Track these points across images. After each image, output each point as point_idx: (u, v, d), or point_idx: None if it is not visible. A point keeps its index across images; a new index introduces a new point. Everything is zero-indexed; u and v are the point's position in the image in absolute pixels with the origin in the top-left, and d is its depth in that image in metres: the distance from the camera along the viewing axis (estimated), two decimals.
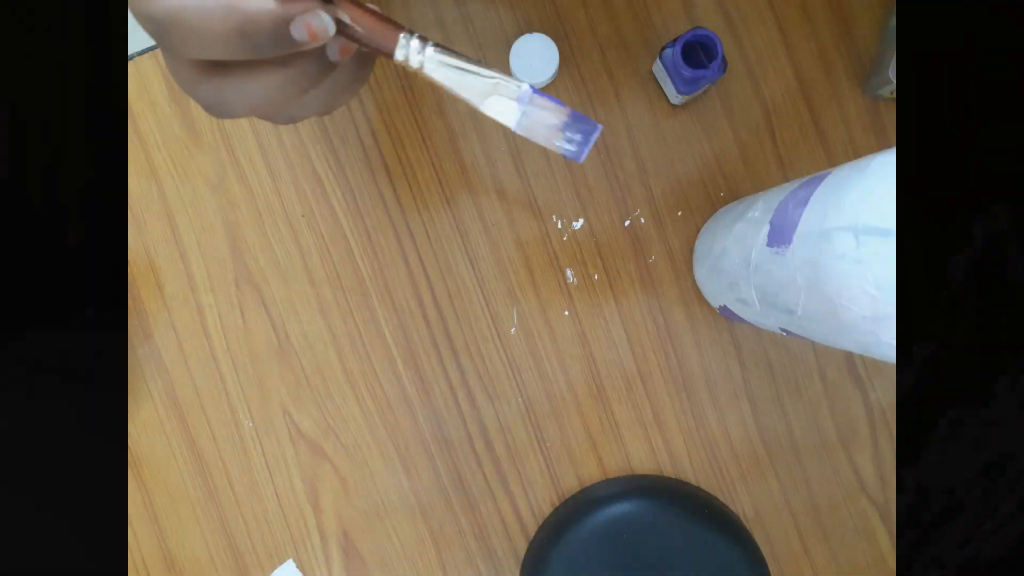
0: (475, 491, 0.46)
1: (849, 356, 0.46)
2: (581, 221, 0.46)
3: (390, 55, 0.25)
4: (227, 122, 0.46)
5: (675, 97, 0.43)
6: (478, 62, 0.26)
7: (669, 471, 0.46)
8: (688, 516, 0.43)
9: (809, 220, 0.26)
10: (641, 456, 0.46)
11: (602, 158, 0.45)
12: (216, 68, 0.24)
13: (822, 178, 0.27)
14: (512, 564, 0.47)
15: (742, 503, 0.46)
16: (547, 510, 0.46)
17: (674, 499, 0.44)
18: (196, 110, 0.46)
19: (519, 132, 0.26)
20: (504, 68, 0.44)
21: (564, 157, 0.40)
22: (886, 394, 0.46)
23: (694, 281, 0.46)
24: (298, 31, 0.22)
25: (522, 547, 0.46)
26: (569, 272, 0.46)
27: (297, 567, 0.46)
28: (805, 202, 0.27)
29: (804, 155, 0.45)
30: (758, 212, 0.34)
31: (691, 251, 0.46)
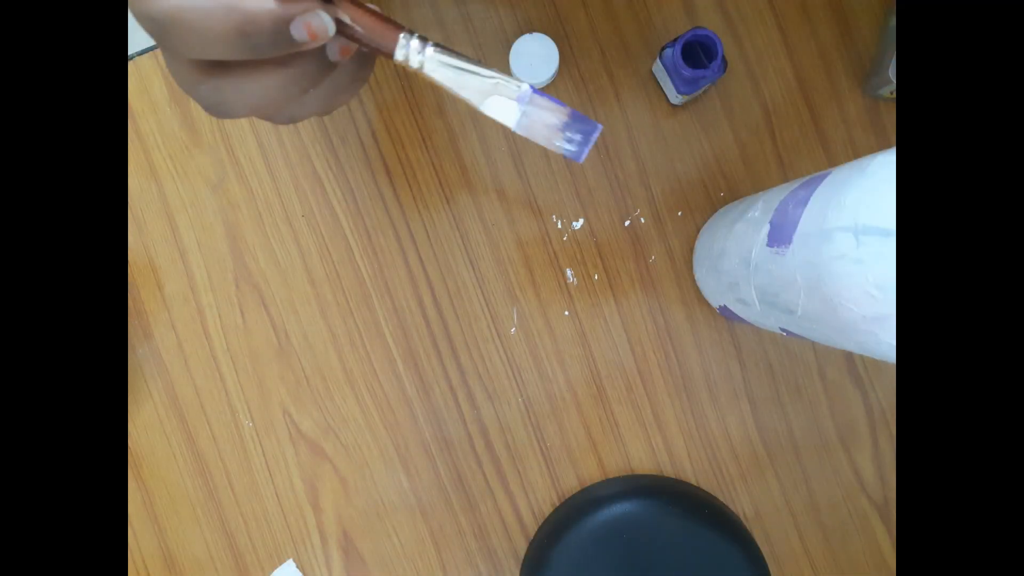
0: (475, 491, 0.46)
1: (849, 356, 0.46)
2: (581, 221, 0.46)
3: (390, 55, 0.25)
4: (227, 122, 0.46)
5: (675, 97, 0.43)
6: (478, 62, 0.26)
7: (669, 471, 0.46)
8: (688, 516, 0.43)
9: (809, 220, 0.26)
10: (641, 456, 0.46)
11: (602, 158, 0.45)
12: (216, 68, 0.24)
13: (822, 178, 0.27)
14: (512, 564, 0.47)
15: (742, 503, 0.46)
16: (547, 510, 0.46)
17: (674, 499, 0.44)
18: (196, 110, 0.46)
19: (519, 132, 0.26)
20: (504, 68, 0.44)
21: (564, 157, 0.40)
22: (886, 394, 0.46)
23: (694, 281, 0.46)
24: (298, 31, 0.22)
25: (522, 547, 0.46)
26: (569, 272, 0.46)
27: (297, 567, 0.46)
28: (805, 202, 0.27)
29: (804, 155, 0.45)
30: (758, 212, 0.34)
31: (691, 251, 0.46)
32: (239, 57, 0.23)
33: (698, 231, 0.46)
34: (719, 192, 0.45)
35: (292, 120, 0.27)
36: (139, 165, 0.46)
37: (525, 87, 0.26)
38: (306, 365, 0.46)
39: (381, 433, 0.46)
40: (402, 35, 0.25)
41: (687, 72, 0.40)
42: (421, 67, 0.25)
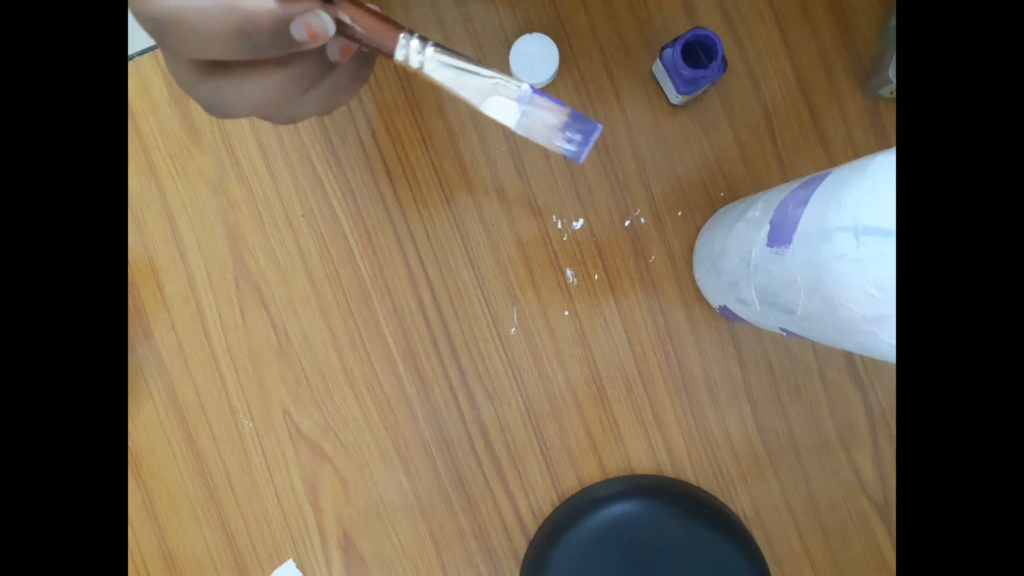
0: (475, 491, 0.46)
1: (849, 356, 0.46)
2: (581, 221, 0.46)
3: (390, 55, 0.25)
4: (227, 122, 0.46)
5: (675, 97, 0.43)
6: (478, 62, 0.26)
7: (669, 471, 0.46)
8: (688, 516, 0.43)
9: (809, 220, 0.26)
10: (641, 456, 0.46)
11: (602, 158, 0.45)
12: (216, 68, 0.24)
13: (822, 178, 0.27)
14: (512, 564, 0.47)
15: (742, 503, 0.46)
16: (547, 510, 0.46)
17: (674, 499, 0.44)
18: (196, 110, 0.46)
19: (519, 132, 0.26)
20: (504, 68, 0.44)
21: (564, 157, 0.40)
22: (886, 394, 0.46)
23: (694, 281, 0.46)
24: (298, 31, 0.22)
25: (522, 547, 0.46)
26: (569, 272, 0.46)
27: (297, 567, 0.46)
28: (805, 202, 0.27)
29: (804, 155, 0.45)
30: (758, 212, 0.34)
31: (691, 251, 0.46)
32: (239, 57, 0.23)
33: (698, 231, 0.46)
34: (719, 192, 0.45)
35: (292, 120, 0.27)
36: (139, 165, 0.46)
37: (525, 87, 0.26)
38: (306, 365, 0.46)
39: (381, 433, 0.46)
40: (402, 35, 0.25)
41: (687, 72, 0.40)
42: (421, 67, 0.25)
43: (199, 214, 0.46)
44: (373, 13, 0.25)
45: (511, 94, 0.26)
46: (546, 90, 0.45)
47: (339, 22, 0.24)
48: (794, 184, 0.32)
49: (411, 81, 0.45)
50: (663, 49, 0.41)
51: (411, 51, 0.25)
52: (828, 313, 0.25)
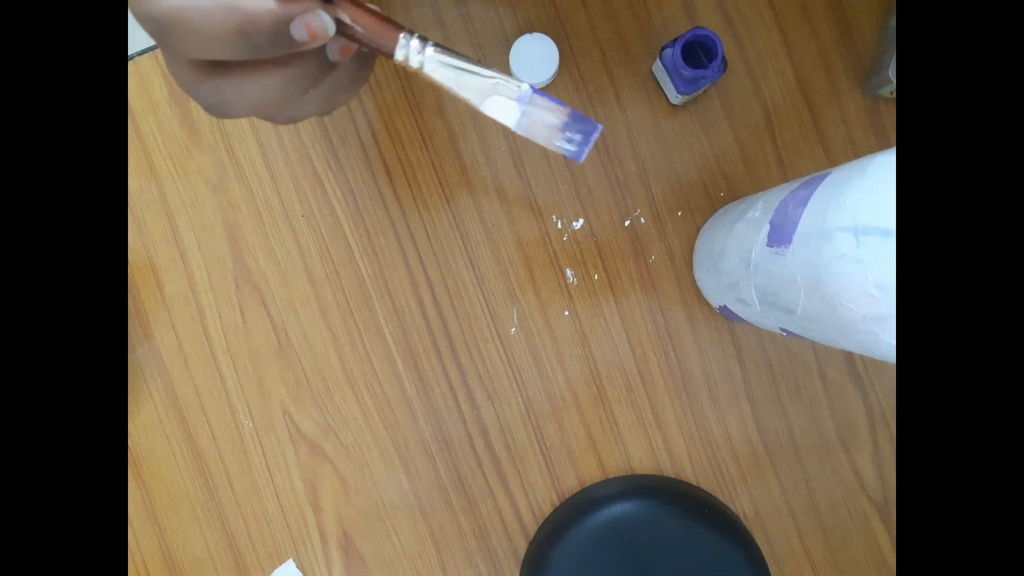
0: (475, 491, 0.46)
1: (849, 356, 0.46)
2: (581, 221, 0.46)
3: (390, 55, 0.25)
4: (227, 122, 0.46)
5: (675, 97, 0.43)
6: (478, 62, 0.26)
7: (669, 471, 0.46)
8: (688, 516, 0.43)
9: (809, 220, 0.26)
10: (641, 456, 0.46)
11: (602, 158, 0.45)
12: (216, 68, 0.24)
13: (822, 178, 0.27)
14: (512, 564, 0.47)
15: (742, 503, 0.46)
16: (547, 510, 0.46)
17: (674, 499, 0.44)
18: (196, 110, 0.46)
19: (519, 132, 0.26)
20: (504, 68, 0.44)
21: (564, 157, 0.40)
22: (886, 394, 0.46)
23: (694, 281, 0.46)
24: (298, 31, 0.22)
25: (522, 547, 0.46)
26: (569, 272, 0.46)
27: (297, 567, 0.46)
28: (805, 202, 0.27)
29: (804, 155, 0.45)
30: (758, 212, 0.34)
31: (691, 251, 0.46)
32: (239, 57, 0.23)
33: (698, 231, 0.46)
34: (719, 192, 0.45)
35: (292, 120, 0.27)
36: (139, 165, 0.46)
37: (525, 87, 0.26)
38: (306, 365, 0.46)
39: (381, 433, 0.46)
40: (402, 35, 0.25)
41: (687, 72, 0.40)
42: (421, 67, 0.25)
43: (199, 214, 0.46)
44: (373, 13, 0.25)
45: (511, 94, 0.26)
46: (546, 90, 0.45)
47: (339, 22, 0.24)
48: (794, 184, 0.32)
49: (411, 81, 0.45)
50: (663, 49, 0.41)
51: (411, 51, 0.25)
52: (828, 313, 0.25)
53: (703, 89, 0.42)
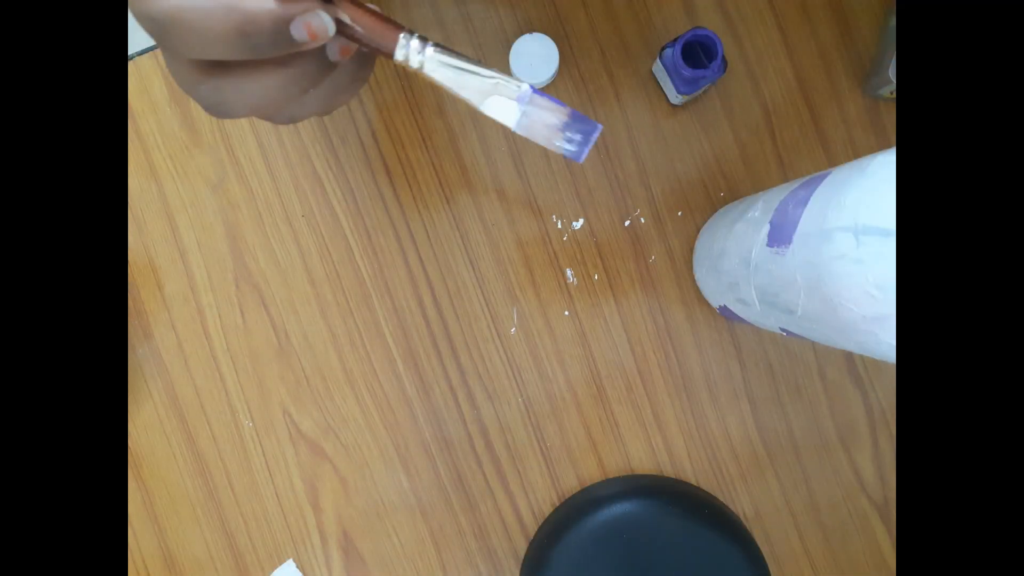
0: (475, 491, 0.46)
1: (849, 356, 0.46)
2: (581, 221, 0.46)
3: (390, 55, 0.25)
4: (227, 122, 0.46)
5: (675, 97, 0.43)
6: (478, 62, 0.26)
7: (669, 471, 0.46)
8: (688, 516, 0.43)
9: (809, 220, 0.26)
10: (641, 456, 0.46)
11: (602, 158, 0.45)
12: (216, 68, 0.24)
13: (822, 178, 0.27)
14: (512, 564, 0.47)
15: (742, 503, 0.46)
16: (547, 510, 0.46)
17: (674, 499, 0.44)
18: (196, 110, 0.46)
19: (519, 132, 0.26)
20: (504, 68, 0.44)
21: (564, 157, 0.40)
22: (886, 394, 0.46)
23: (694, 281, 0.46)
24: (298, 31, 0.22)
25: (522, 547, 0.46)
26: (569, 272, 0.46)
27: (297, 567, 0.46)
28: (805, 202, 0.27)
29: (804, 155, 0.45)
30: (758, 212, 0.34)
31: (691, 251, 0.46)
32: (239, 57, 0.23)
33: (698, 231, 0.46)
34: (719, 192, 0.45)
35: (292, 120, 0.27)
36: (139, 165, 0.46)
37: (525, 87, 0.26)
38: (306, 365, 0.46)
39: (381, 433, 0.46)
40: (402, 35, 0.25)
41: (687, 72, 0.40)
42: (421, 67, 0.25)
43: (199, 214, 0.46)
44: (373, 13, 0.25)
45: (511, 94, 0.26)
46: (546, 90, 0.45)
47: (339, 22, 0.24)
48: (794, 184, 0.32)
49: (411, 81, 0.45)
50: (663, 49, 0.41)
51: (411, 51, 0.25)
52: (828, 313, 0.25)
53: (703, 89, 0.42)
